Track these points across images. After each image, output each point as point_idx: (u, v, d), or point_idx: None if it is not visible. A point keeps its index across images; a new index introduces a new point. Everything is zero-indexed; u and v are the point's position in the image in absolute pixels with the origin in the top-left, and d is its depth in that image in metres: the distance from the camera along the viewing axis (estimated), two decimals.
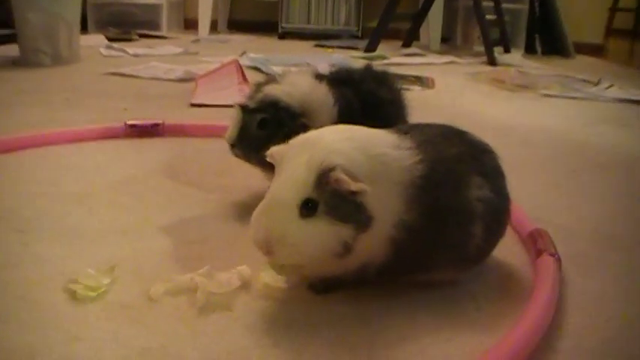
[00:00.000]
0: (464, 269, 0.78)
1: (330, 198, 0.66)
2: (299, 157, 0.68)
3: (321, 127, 0.81)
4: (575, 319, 0.73)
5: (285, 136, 0.80)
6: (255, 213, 0.69)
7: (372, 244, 0.69)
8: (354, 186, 0.65)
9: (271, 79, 1.04)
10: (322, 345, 0.66)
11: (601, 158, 1.44)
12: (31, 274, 0.78)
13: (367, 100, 1.02)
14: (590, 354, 0.66)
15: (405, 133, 0.75)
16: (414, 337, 0.68)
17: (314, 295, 0.75)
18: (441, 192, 0.71)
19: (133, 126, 1.40)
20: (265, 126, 0.95)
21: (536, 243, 0.85)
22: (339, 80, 1.04)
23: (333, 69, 1.10)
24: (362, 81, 1.06)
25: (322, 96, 0.98)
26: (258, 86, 1.02)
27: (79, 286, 0.73)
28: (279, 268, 0.70)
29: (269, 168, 0.81)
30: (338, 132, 0.72)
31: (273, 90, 0.97)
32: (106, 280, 0.75)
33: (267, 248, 0.67)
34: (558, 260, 0.80)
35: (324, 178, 0.66)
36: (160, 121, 1.41)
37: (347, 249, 0.67)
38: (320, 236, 0.66)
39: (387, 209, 0.69)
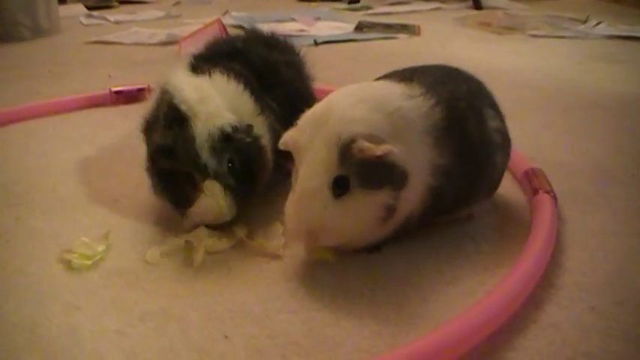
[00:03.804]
0: (488, 198, 0.82)
1: (359, 169, 0.64)
2: (315, 138, 0.66)
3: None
4: (575, 255, 0.73)
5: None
6: (288, 207, 0.68)
7: (413, 197, 0.68)
8: (379, 150, 0.63)
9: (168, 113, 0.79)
10: (324, 296, 0.66)
11: (594, 96, 1.43)
12: (26, 247, 0.77)
13: (259, 67, 0.90)
14: (591, 288, 0.66)
15: (410, 79, 0.73)
16: (416, 283, 0.68)
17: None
18: (465, 128, 0.72)
19: (118, 92, 1.38)
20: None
21: (531, 182, 0.84)
22: (221, 55, 0.91)
23: (210, 46, 0.97)
24: (248, 49, 0.94)
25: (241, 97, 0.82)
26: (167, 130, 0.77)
27: (74, 255, 0.72)
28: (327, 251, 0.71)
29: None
30: (346, 96, 0.69)
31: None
32: (100, 248, 0.74)
33: (313, 239, 0.66)
34: (554, 198, 0.80)
35: (347, 151, 0.64)
36: (145, 86, 1.39)
37: (391, 210, 0.66)
38: (360, 210, 0.65)
39: (419, 160, 0.68)
